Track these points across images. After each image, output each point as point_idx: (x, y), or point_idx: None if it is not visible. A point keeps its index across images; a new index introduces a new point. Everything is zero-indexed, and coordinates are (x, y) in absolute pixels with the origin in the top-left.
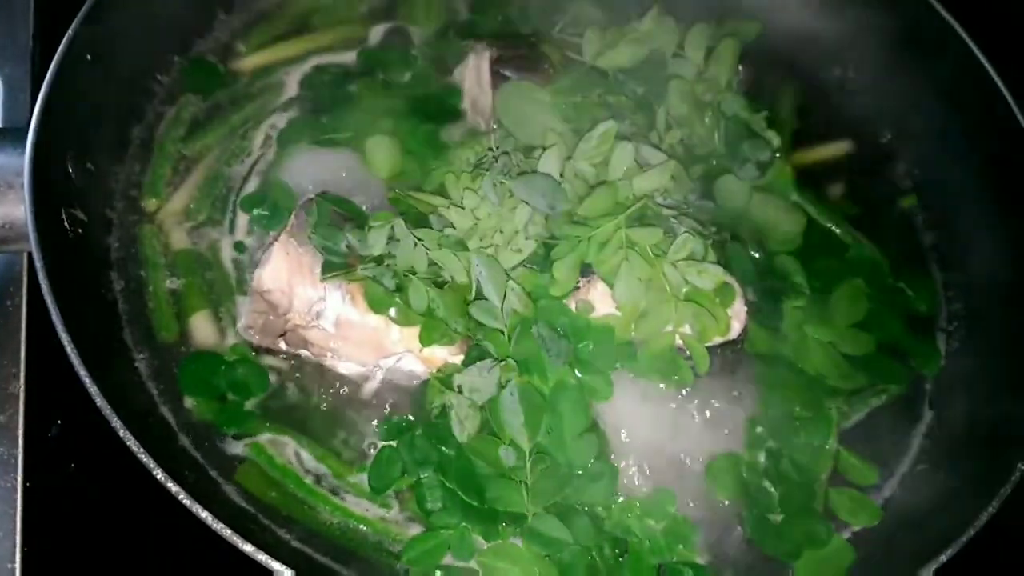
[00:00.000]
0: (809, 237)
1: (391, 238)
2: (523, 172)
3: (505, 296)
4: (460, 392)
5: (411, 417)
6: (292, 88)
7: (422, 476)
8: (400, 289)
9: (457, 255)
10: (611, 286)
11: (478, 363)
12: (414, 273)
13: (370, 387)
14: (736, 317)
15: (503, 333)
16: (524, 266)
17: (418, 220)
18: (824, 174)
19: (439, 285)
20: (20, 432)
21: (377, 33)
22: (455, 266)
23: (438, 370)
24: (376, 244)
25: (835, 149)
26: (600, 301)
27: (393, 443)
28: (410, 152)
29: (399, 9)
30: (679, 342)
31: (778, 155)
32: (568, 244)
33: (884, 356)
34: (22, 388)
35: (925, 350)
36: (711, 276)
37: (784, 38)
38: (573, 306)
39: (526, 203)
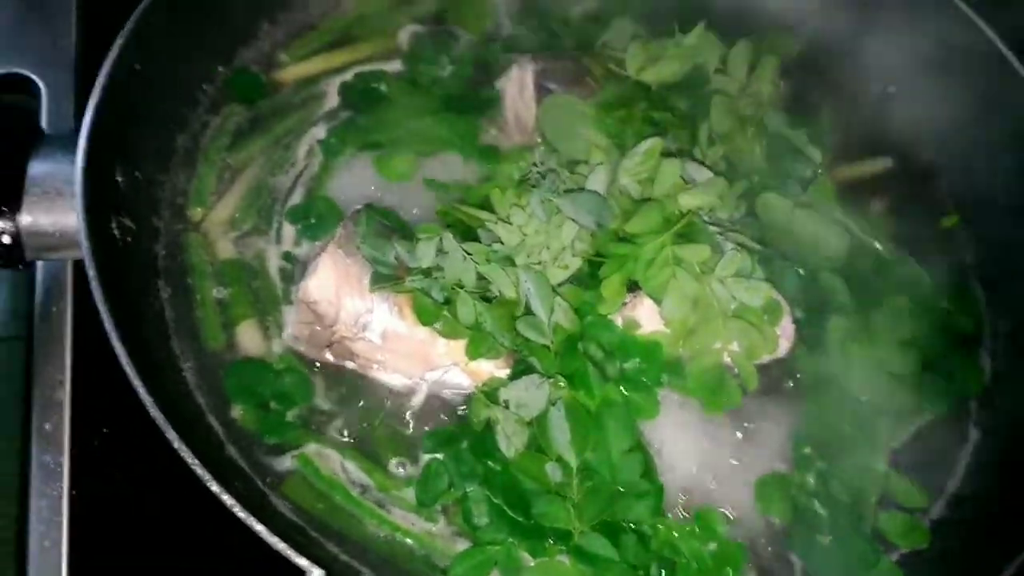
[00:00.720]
0: (851, 255)
1: (440, 251)
2: (569, 189)
3: (552, 312)
4: (507, 407)
5: (457, 430)
6: (333, 98)
7: (468, 490)
8: (448, 302)
9: (505, 270)
10: (658, 303)
11: (525, 378)
12: (462, 287)
13: (417, 400)
14: (784, 335)
15: (550, 349)
16: (571, 283)
17: (465, 234)
18: (866, 190)
19: (487, 299)
20: (66, 440)
21: (423, 36)
22: (503, 281)
23: (484, 384)
24: (425, 256)
25: (877, 165)
26: (647, 318)
27: (439, 456)
28: (449, 145)
29: (447, 12)
30: (727, 359)
31: (820, 171)
32: (615, 262)
33: (928, 375)
34: (68, 395)
35: (968, 369)
36: (759, 292)
37: (825, 53)
38: (620, 323)
39: (573, 220)
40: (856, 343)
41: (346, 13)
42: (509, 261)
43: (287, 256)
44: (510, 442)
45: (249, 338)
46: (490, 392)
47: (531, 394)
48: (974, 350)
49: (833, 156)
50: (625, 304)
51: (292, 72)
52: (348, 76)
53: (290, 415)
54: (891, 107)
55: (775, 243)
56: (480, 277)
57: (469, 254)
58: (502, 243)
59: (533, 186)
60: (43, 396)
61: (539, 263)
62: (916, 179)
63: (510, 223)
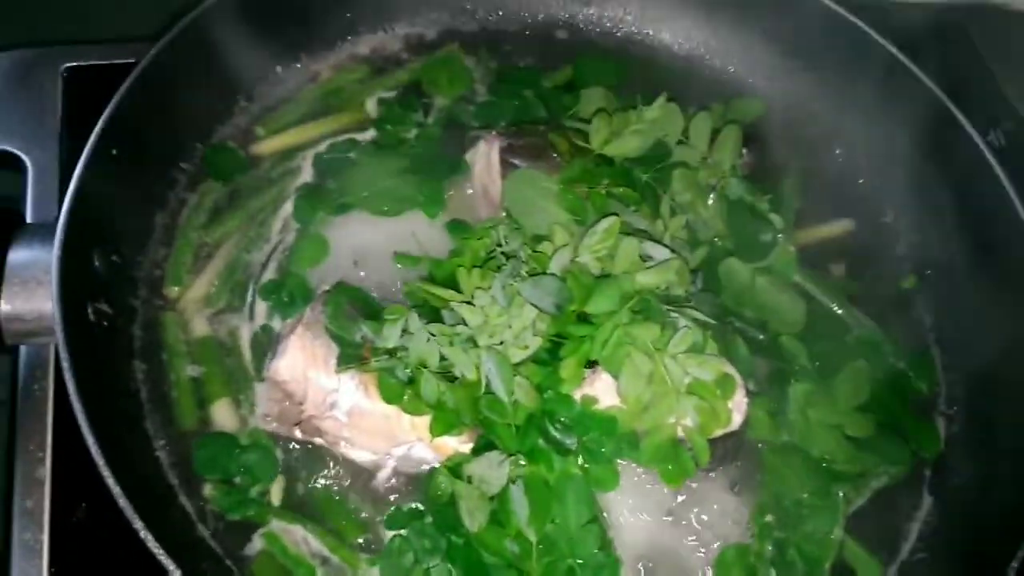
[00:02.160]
0: (811, 318)
1: (405, 331)
2: (531, 271)
3: (512, 391)
4: (470, 482)
5: (419, 506)
6: (309, 172)
7: (431, 566)
8: (412, 382)
9: (467, 351)
10: (616, 379)
11: (487, 455)
12: (426, 366)
13: (383, 475)
14: (737, 408)
15: (511, 427)
16: (532, 360)
17: (432, 312)
18: (826, 253)
19: (450, 379)
20: (46, 518)
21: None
22: (465, 363)
23: (447, 459)
24: (390, 337)
25: (837, 228)
26: (605, 392)
27: (403, 532)
28: (414, 205)
29: (422, 80)
30: (681, 434)
31: (781, 236)
32: (574, 344)
33: (885, 438)
34: (48, 473)
35: (925, 433)
36: (712, 368)
37: (786, 119)
38: (579, 397)
39: (533, 305)
40: (815, 407)
41: (321, 85)
42: (472, 342)
43: (260, 333)
44: (473, 517)
45: (223, 416)
46: (453, 467)
47: (492, 471)
48: (930, 414)
49: (795, 220)
50: (584, 379)
51: (268, 145)
52: (322, 148)
53: (255, 491)
54: (851, 171)
55: (735, 309)
56: (444, 357)
57: (433, 335)
58: (466, 324)
59: (498, 267)
60: (24, 474)
61: (500, 343)
62: (876, 242)
63: (473, 304)
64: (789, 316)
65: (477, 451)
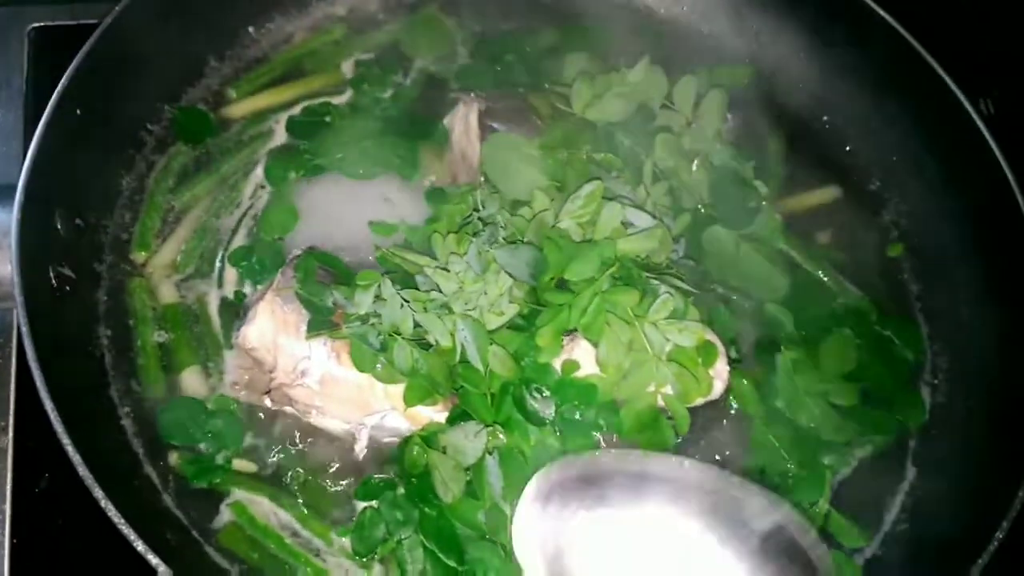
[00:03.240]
0: (796, 286)
1: (378, 297)
2: (509, 238)
3: (488, 360)
4: (444, 452)
5: (392, 476)
6: (281, 135)
7: (403, 538)
8: (385, 349)
9: (442, 318)
10: (595, 346)
11: (463, 425)
12: (399, 333)
13: (357, 446)
14: (718, 376)
15: (487, 396)
16: (508, 328)
17: (405, 279)
18: (811, 221)
19: (424, 346)
20: (8, 487)
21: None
22: (440, 330)
23: (422, 429)
24: (362, 303)
25: (823, 195)
26: (585, 358)
27: (375, 504)
28: (389, 167)
29: (401, 42)
30: (661, 403)
31: (765, 203)
32: (551, 312)
33: (871, 407)
34: (11, 442)
35: (910, 402)
36: (692, 334)
37: (772, 85)
38: (559, 364)
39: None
40: (802, 375)
41: (296, 47)
42: (447, 308)
43: (229, 300)
44: (447, 488)
45: (191, 384)
46: (427, 437)
47: (469, 441)
48: (915, 384)
49: (780, 187)
50: (563, 346)
51: (240, 108)
52: (296, 111)
53: (220, 458)
54: (838, 138)
55: (720, 277)
56: (418, 324)
57: (407, 301)
58: (440, 290)
59: (474, 232)
60: None
61: (475, 310)
62: (862, 209)
63: (448, 270)
64: (773, 283)
65: (452, 421)
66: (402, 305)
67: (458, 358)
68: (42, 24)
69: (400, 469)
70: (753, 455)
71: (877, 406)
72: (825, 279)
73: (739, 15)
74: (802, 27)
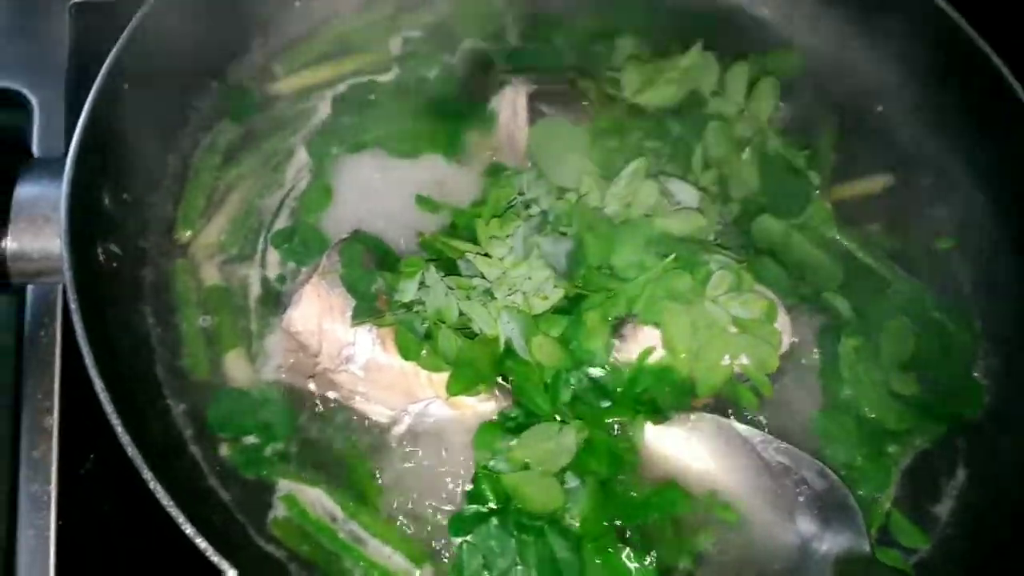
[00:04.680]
0: (849, 274)
1: (422, 284)
2: (553, 224)
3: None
4: (526, 467)
5: (485, 506)
6: (325, 113)
7: (507, 568)
8: (430, 336)
9: (486, 306)
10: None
11: (535, 429)
12: (443, 321)
13: (398, 430)
14: (783, 330)
15: (541, 385)
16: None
17: (448, 265)
18: (861, 209)
19: (469, 335)
20: (54, 469)
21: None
22: (484, 318)
23: (480, 469)
24: (407, 291)
25: (875, 184)
26: (649, 342)
27: (469, 538)
28: (433, 147)
29: (450, 20)
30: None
31: (817, 192)
32: (597, 298)
33: (927, 394)
34: (56, 423)
35: (967, 390)
36: (755, 305)
37: (825, 71)
38: (623, 354)
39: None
40: (863, 363)
41: (343, 22)
42: (490, 295)
43: (272, 282)
44: (546, 501)
45: (235, 368)
46: (489, 474)
47: (554, 443)
48: (970, 373)
49: (832, 175)
50: (624, 335)
51: (286, 85)
52: (342, 88)
53: (270, 449)
54: (892, 127)
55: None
56: (462, 312)
57: (451, 288)
58: (483, 276)
59: (517, 215)
60: (31, 423)
61: (519, 294)
62: (915, 199)
63: (490, 256)
64: (827, 272)
65: (514, 430)
66: (446, 293)
67: (503, 347)
68: (83, 0)
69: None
70: (820, 447)
71: (934, 394)
72: (877, 267)
73: (792, 1)
74: (856, 12)
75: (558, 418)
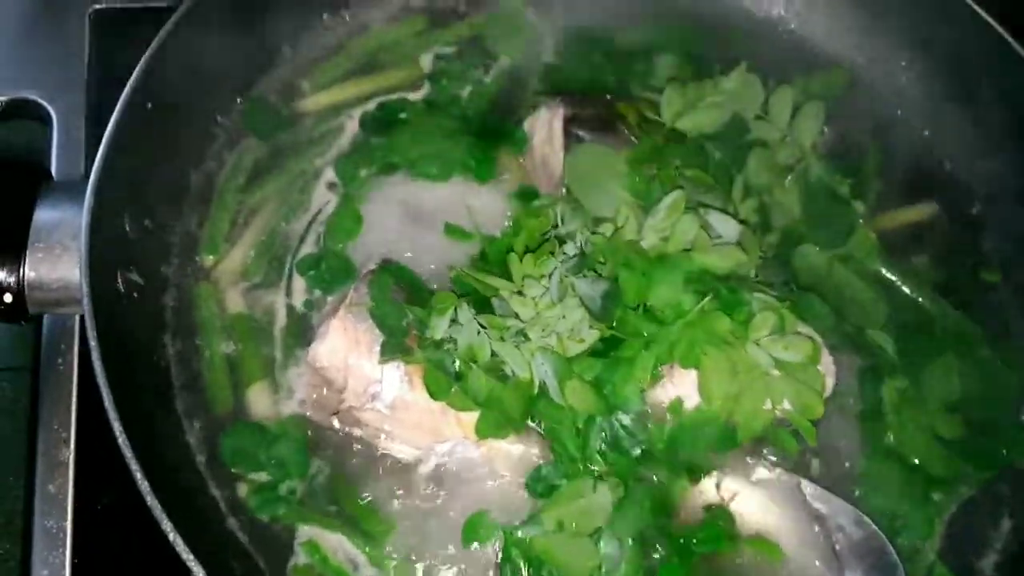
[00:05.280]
0: (893, 308)
1: (454, 321)
2: (589, 263)
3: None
4: (560, 527)
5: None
6: (353, 132)
7: None
8: (460, 377)
9: (520, 348)
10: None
11: (573, 485)
12: (475, 361)
13: (424, 469)
14: (827, 371)
15: (574, 430)
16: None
17: (480, 301)
18: (907, 239)
19: (501, 375)
20: (70, 503)
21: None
22: (518, 361)
23: (509, 539)
24: (438, 327)
25: (918, 213)
26: (685, 382)
27: None
28: (464, 169)
29: (484, 35)
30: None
31: (861, 221)
32: (635, 345)
33: (974, 438)
34: (72, 455)
35: (1016, 433)
36: (799, 347)
37: (870, 94)
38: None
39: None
40: (907, 406)
41: (373, 37)
42: (524, 335)
43: (298, 310)
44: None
45: (258, 402)
46: (517, 543)
47: (590, 502)
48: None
49: (876, 203)
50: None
51: (314, 101)
52: (371, 106)
53: (285, 488)
54: (939, 154)
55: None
56: (494, 352)
57: (483, 328)
58: (517, 316)
59: (551, 252)
60: (47, 455)
61: (554, 335)
62: (962, 229)
63: (524, 295)
64: (871, 307)
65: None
66: (479, 331)
67: (537, 390)
68: (103, 6)
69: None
70: (864, 495)
71: (981, 438)
72: (923, 301)
73: (837, 18)
74: (905, 34)
75: (591, 466)
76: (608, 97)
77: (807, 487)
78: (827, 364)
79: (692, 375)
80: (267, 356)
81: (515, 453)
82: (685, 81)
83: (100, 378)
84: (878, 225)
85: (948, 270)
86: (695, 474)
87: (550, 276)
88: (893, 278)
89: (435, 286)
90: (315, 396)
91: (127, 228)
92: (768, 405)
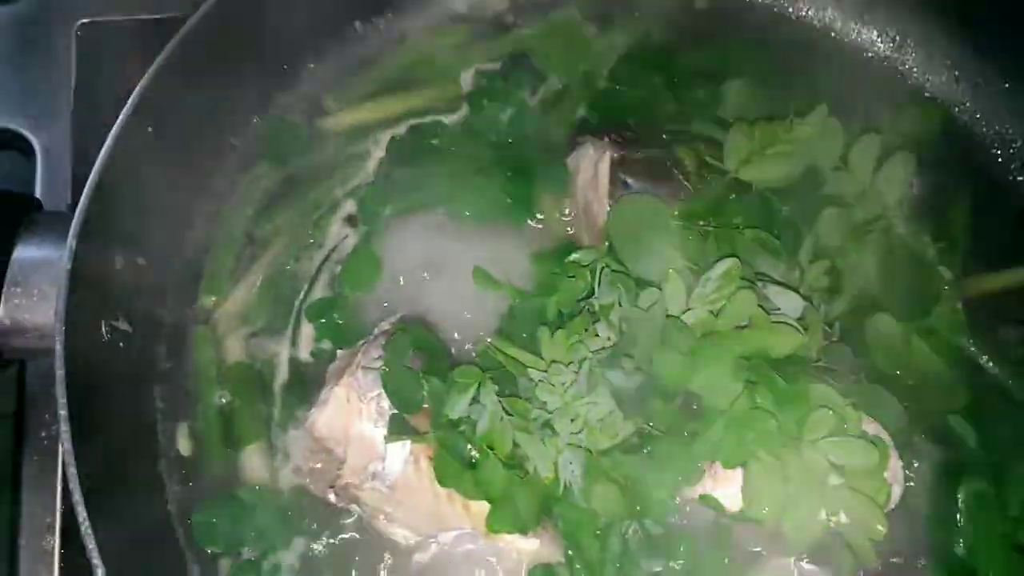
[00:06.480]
0: (978, 392)
1: (475, 400)
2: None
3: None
4: None
5: None
6: (378, 158)
7: None
8: (474, 465)
9: (545, 442)
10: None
11: None
12: (493, 449)
13: (423, 557)
14: (893, 479)
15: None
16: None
17: (508, 379)
18: (997, 308)
19: (520, 469)
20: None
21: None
22: (542, 457)
23: None
24: (456, 406)
25: (1013, 278)
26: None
27: None
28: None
29: (534, 51)
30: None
31: (948, 288)
32: (673, 444)
33: None
34: (57, 544)
35: None
36: (863, 453)
37: (965, 136)
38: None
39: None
40: (985, 511)
41: (408, 50)
42: (550, 427)
43: (302, 364)
44: None
45: (252, 466)
46: None
47: None
48: None
49: (963, 266)
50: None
51: (337, 121)
52: (401, 129)
53: (268, 564)
54: None
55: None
56: (516, 443)
57: (508, 414)
58: (544, 404)
59: (585, 328)
60: (31, 546)
61: (583, 428)
62: None
63: (552, 383)
64: (952, 389)
65: None
66: (502, 417)
67: (560, 490)
68: (92, 19)
69: None
70: None
71: None
72: (1012, 384)
73: (933, 47)
74: (1008, 69)
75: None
76: (664, 136)
77: None
78: (895, 471)
79: (736, 474)
80: (265, 414)
81: (528, 548)
82: (754, 121)
83: (65, 443)
84: (964, 292)
85: None
86: None
87: (580, 363)
88: (979, 355)
89: (453, 349)
90: (311, 466)
91: (117, 267)
92: (822, 516)
